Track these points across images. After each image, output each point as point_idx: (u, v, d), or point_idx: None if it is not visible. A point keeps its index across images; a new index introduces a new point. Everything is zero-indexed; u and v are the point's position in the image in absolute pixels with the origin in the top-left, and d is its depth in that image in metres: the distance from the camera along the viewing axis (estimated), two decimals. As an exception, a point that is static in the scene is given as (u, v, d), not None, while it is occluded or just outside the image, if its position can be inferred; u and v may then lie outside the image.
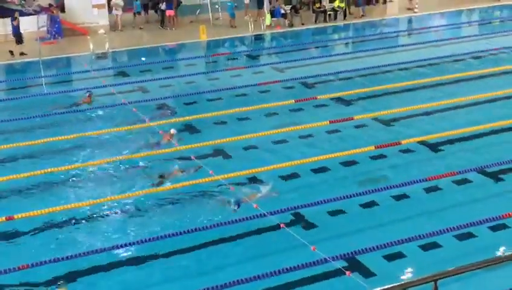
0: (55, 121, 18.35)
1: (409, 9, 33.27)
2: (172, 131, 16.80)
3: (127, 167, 15.43)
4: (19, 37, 25.91)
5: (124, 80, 22.40)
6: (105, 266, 11.46)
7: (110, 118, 18.62)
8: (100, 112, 19.15)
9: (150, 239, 12.10)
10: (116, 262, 11.57)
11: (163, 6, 30.00)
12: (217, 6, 31.36)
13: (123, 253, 11.84)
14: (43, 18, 28.29)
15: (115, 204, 13.63)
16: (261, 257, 11.69)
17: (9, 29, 26.49)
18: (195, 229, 12.31)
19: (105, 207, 13.53)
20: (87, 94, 20.02)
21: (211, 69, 24.10)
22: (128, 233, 12.57)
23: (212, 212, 13.13)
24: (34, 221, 12.87)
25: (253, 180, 14.49)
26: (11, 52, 25.67)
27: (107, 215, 13.29)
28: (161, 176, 14.64)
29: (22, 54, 25.58)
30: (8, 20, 26.80)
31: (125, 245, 12.00)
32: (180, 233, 12.19)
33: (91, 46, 25.82)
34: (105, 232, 12.63)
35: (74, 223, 12.89)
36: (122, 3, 29.65)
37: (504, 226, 12.37)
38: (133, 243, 12.06)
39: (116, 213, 13.36)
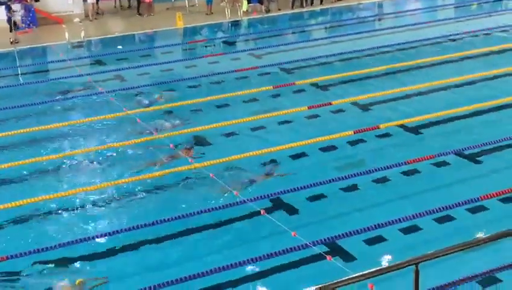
0: (31, 111, 18.15)
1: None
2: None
3: (107, 156, 15.35)
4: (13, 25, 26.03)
5: (101, 68, 22.21)
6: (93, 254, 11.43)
7: (87, 108, 18.47)
8: (77, 102, 18.96)
9: (130, 228, 12.04)
10: (101, 252, 11.53)
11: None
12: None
13: (108, 241, 11.76)
14: (17, 7, 27.95)
15: (98, 193, 13.57)
16: (241, 244, 11.67)
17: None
18: (176, 218, 12.27)
19: (88, 196, 13.47)
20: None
21: (188, 56, 23.98)
22: (110, 221, 12.56)
23: (193, 200, 13.10)
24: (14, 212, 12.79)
25: (233, 167, 14.47)
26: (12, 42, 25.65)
27: (90, 204, 13.22)
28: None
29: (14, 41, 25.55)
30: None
31: (110, 233, 11.93)
32: (161, 221, 12.15)
33: (66, 35, 25.56)
34: (91, 220, 12.61)
35: (55, 214, 12.81)
36: None
37: (482, 208, 12.46)
38: (117, 231, 11.98)
39: (98, 202, 13.30)
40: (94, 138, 16.44)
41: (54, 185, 13.95)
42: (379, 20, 29.54)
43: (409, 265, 5.10)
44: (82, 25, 27.07)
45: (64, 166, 14.86)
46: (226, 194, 13.11)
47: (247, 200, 12.78)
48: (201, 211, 12.48)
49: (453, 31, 25.32)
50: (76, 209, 13.04)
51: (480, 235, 11.44)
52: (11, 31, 25.81)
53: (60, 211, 12.89)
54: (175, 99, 18.58)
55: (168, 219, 12.19)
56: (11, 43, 25.40)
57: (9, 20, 26.17)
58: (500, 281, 10.02)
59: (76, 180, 14.23)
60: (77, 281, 10.56)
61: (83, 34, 26.10)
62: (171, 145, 15.44)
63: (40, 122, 17.19)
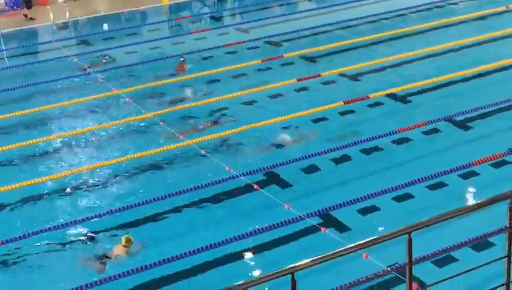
0: (18, 94, 18.02)
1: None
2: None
3: (100, 136, 15.36)
4: (28, 2, 25.85)
5: (88, 49, 22.04)
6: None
7: (75, 89, 18.36)
8: (65, 83, 18.83)
9: (125, 207, 12.08)
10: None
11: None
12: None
13: (98, 223, 11.80)
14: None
15: (95, 172, 13.65)
16: (236, 218, 11.72)
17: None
18: (170, 195, 12.30)
19: (87, 176, 13.53)
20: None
21: (175, 34, 23.79)
22: (107, 200, 12.60)
23: (185, 177, 13.12)
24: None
25: (224, 143, 14.48)
26: (26, 16, 25.49)
27: (90, 184, 13.28)
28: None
29: (30, 18, 25.39)
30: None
31: (101, 215, 11.96)
32: (154, 199, 12.18)
33: (51, 16, 25.31)
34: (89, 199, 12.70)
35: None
36: None
37: (474, 174, 12.53)
38: (110, 212, 12.01)
39: (95, 181, 13.34)
40: (83, 118, 16.36)
41: (48, 167, 13.95)
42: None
43: (401, 234, 5.12)
44: (66, 5, 26.79)
45: (45, 150, 14.80)
46: (218, 170, 13.12)
47: (240, 174, 12.81)
48: (195, 188, 12.51)
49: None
50: (78, 189, 13.09)
51: (473, 200, 11.55)
52: (28, 8, 25.83)
53: (53, 193, 12.91)
54: (164, 77, 18.47)
55: (161, 197, 12.23)
56: (29, 19, 25.38)
57: None
58: (494, 245, 10.11)
59: (71, 160, 14.23)
60: (124, 238, 10.86)
61: (67, 14, 25.85)
62: (161, 124, 15.41)
63: (28, 105, 17.08)
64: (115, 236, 11.35)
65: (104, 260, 10.69)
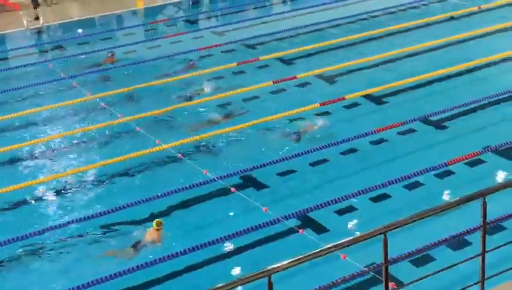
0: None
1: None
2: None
3: (79, 140, 15.31)
4: (35, 1, 25.90)
5: (62, 54, 21.89)
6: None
7: (50, 94, 18.23)
8: (39, 89, 18.68)
9: (99, 214, 12.00)
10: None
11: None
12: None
13: (74, 229, 11.72)
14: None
15: (81, 176, 13.62)
16: (213, 222, 11.69)
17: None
18: (147, 199, 12.26)
19: (61, 182, 13.47)
20: (110, 54, 20.28)
21: (150, 37, 23.70)
22: (82, 206, 12.52)
23: (162, 181, 13.07)
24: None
25: (201, 146, 14.46)
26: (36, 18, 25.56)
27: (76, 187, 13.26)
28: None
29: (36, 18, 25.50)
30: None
31: (74, 221, 11.87)
32: (139, 202, 12.14)
33: (24, 22, 25.10)
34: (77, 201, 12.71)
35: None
36: None
37: (449, 173, 12.63)
38: (85, 218, 11.93)
39: (85, 184, 13.35)
40: (58, 124, 16.26)
41: (21, 174, 13.84)
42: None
43: (377, 234, 5.15)
44: (40, 10, 26.58)
45: (29, 155, 14.73)
46: (195, 174, 13.09)
47: (217, 178, 12.79)
48: (171, 192, 12.46)
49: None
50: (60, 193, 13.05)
51: (449, 199, 11.62)
52: (34, 8, 25.85)
53: (21, 203, 12.83)
54: (140, 81, 18.37)
55: (144, 200, 12.20)
56: (35, 19, 25.45)
57: None
58: (470, 243, 10.18)
59: (46, 166, 14.13)
60: (155, 222, 11.17)
61: (41, 19, 25.65)
62: (138, 128, 15.34)
63: (2, 111, 16.92)
64: (98, 243, 11.31)
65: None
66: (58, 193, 13.08)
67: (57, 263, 10.97)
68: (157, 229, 11.11)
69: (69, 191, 13.12)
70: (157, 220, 11.21)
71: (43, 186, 13.31)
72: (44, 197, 12.97)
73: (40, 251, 11.24)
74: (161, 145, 14.31)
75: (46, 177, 13.63)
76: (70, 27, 25.37)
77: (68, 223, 11.85)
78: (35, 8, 25.86)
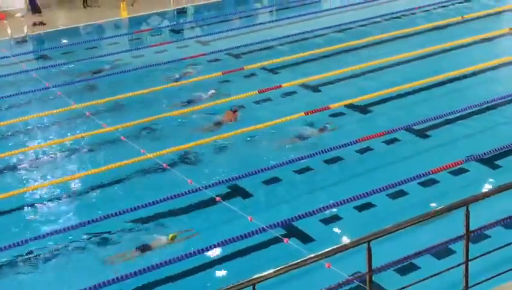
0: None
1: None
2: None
3: (63, 149, 15.27)
4: (34, 8, 26.77)
5: (46, 63, 21.83)
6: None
7: (35, 103, 18.17)
8: (23, 98, 18.60)
9: (85, 223, 11.95)
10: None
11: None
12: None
13: (57, 239, 11.66)
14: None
15: (64, 186, 13.55)
16: (198, 231, 11.66)
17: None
18: (132, 209, 12.21)
19: (46, 192, 13.40)
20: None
21: (135, 47, 23.69)
22: (67, 216, 12.46)
23: (147, 190, 13.04)
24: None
25: (186, 156, 14.45)
26: (34, 23, 26.22)
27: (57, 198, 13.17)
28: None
29: (39, 23, 26.22)
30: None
31: (58, 231, 11.82)
32: (121, 213, 12.11)
33: (9, 31, 25.01)
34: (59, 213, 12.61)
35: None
36: None
37: (433, 182, 12.69)
38: (69, 228, 11.88)
39: (68, 194, 13.30)
40: (43, 133, 16.22)
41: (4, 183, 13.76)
42: (324, 1, 29.54)
43: (361, 243, 5.17)
44: (24, 19, 26.51)
45: (17, 163, 14.66)
46: (180, 183, 13.07)
47: (202, 187, 12.78)
48: (157, 201, 12.43)
49: (397, 8, 25.51)
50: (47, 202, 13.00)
51: (433, 208, 11.66)
52: (34, 13, 26.68)
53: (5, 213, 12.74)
54: (124, 91, 18.35)
55: (126, 211, 12.14)
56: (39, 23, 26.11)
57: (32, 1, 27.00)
58: (454, 252, 10.23)
59: (31, 176, 14.06)
60: (170, 236, 11.25)
61: (26, 28, 25.58)
62: (123, 138, 15.31)
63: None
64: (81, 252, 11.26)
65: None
66: (41, 202, 12.99)
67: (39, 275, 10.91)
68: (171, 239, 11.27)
69: (51, 201, 13.04)
70: (173, 234, 11.32)
71: (26, 196, 13.22)
72: (25, 208, 12.85)
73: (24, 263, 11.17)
74: (146, 155, 14.29)
75: (28, 187, 13.54)
76: (55, 36, 25.32)
77: (48, 234, 11.76)
78: (34, 13, 26.46)
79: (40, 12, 26.79)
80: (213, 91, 17.76)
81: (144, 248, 11.17)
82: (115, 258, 11.01)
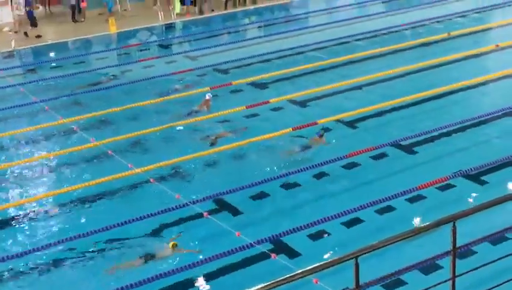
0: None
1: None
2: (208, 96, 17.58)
3: (51, 164, 15.19)
4: (32, 20, 27.10)
5: (34, 77, 21.79)
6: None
7: (22, 118, 18.11)
8: (10, 112, 18.53)
9: (72, 237, 11.88)
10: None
11: (72, 0, 29.11)
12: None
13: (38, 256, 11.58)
14: None
15: (50, 201, 13.50)
16: (186, 247, 11.62)
17: None
18: (120, 224, 12.16)
19: (32, 207, 13.32)
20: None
21: (123, 61, 23.69)
22: (69, 227, 12.43)
23: (134, 205, 12.99)
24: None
25: (174, 171, 14.42)
26: (26, 34, 26.76)
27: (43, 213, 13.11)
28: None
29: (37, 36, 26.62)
30: None
31: (44, 247, 11.74)
32: (103, 229, 12.03)
33: (13, 43, 24.98)
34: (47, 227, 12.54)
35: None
36: (23, 2, 28.34)
37: (420, 197, 12.72)
38: (57, 243, 11.81)
39: (55, 209, 13.21)
40: (30, 148, 16.14)
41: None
42: (312, 17, 29.67)
43: (349, 259, 5.16)
44: (12, 34, 26.48)
45: (3, 177, 14.58)
46: (167, 198, 13.03)
47: (190, 202, 12.75)
48: (144, 216, 12.38)
49: (385, 25, 25.70)
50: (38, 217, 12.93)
51: (420, 224, 11.70)
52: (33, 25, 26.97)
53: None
54: (112, 105, 18.32)
55: (111, 226, 12.10)
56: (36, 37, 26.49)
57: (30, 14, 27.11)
58: (441, 267, 10.24)
59: (17, 191, 13.99)
60: (171, 244, 11.34)
61: (13, 43, 25.53)
62: (110, 152, 15.26)
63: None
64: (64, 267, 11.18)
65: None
66: (27, 217, 12.91)
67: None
68: (172, 248, 11.35)
69: (39, 216, 12.97)
70: (173, 242, 11.38)
71: (12, 211, 13.13)
72: (9, 222, 12.77)
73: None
74: (133, 169, 14.25)
75: (14, 202, 13.46)
76: (43, 51, 25.29)
77: (34, 250, 11.69)
78: (32, 27, 26.72)
79: (36, 26, 26.88)
80: (205, 107, 17.79)
81: (129, 264, 11.11)
82: (104, 272, 10.95)
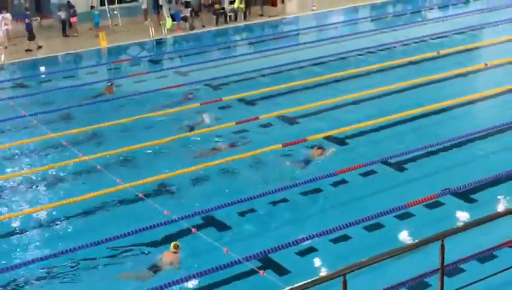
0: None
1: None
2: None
3: (39, 178, 15.10)
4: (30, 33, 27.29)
5: (23, 91, 21.74)
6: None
7: (11, 132, 18.04)
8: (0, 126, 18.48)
9: (58, 253, 11.81)
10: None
11: (63, 15, 29.15)
12: (115, 12, 30.85)
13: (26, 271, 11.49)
14: None
15: (39, 215, 13.43)
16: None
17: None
18: (107, 239, 12.10)
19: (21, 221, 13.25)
20: (110, 84, 20.57)
21: (113, 76, 23.69)
22: (42, 246, 12.31)
23: (123, 221, 12.94)
24: None
25: (162, 186, 14.38)
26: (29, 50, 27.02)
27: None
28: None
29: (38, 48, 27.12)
30: None
31: (30, 262, 11.66)
32: (91, 244, 11.97)
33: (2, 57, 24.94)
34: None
35: None
36: (10, 17, 28.30)
37: (409, 215, 12.73)
38: (43, 258, 11.72)
39: (43, 223, 13.16)
40: (18, 162, 16.07)
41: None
42: (302, 34, 29.77)
43: (336, 276, 5.15)
44: (1, 48, 26.45)
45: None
46: (156, 213, 12.98)
47: (178, 218, 12.70)
48: (132, 232, 12.33)
49: (375, 43, 25.84)
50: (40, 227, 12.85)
51: (409, 241, 11.71)
52: (30, 39, 27.11)
53: None
54: (102, 120, 18.28)
55: (99, 241, 12.04)
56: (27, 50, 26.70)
57: (28, 28, 27.24)
58: (430, 285, 10.24)
59: (5, 205, 13.90)
60: (172, 245, 11.40)
61: (2, 57, 25.50)
62: (99, 167, 15.21)
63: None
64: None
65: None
66: (15, 232, 12.83)
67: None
68: (174, 252, 11.32)
69: (26, 230, 12.89)
70: (175, 243, 11.41)
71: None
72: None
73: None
74: (122, 185, 14.19)
75: (2, 216, 13.38)
76: (33, 65, 25.27)
77: (17, 265, 11.61)
78: (30, 40, 26.93)
79: (34, 39, 27.14)
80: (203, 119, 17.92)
81: (125, 276, 11.04)
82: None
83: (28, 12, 28.10)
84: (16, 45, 27.56)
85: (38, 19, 30.08)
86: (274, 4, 33.79)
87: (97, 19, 29.25)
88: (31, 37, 27.08)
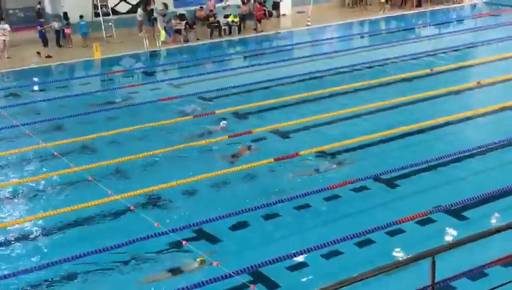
0: None
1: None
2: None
3: (30, 189, 15.03)
4: (44, 40, 28.09)
5: (16, 101, 21.69)
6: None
7: (2, 141, 17.97)
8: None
9: (49, 264, 11.72)
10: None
11: (57, 25, 29.14)
12: (110, 24, 30.86)
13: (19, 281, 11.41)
14: None
15: (28, 226, 13.37)
16: (165, 275, 11.52)
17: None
18: (98, 251, 12.03)
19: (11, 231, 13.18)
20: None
21: (106, 87, 23.66)
22: (33, 256, 12.23)
23: (113, 233, 12.88)
24: None
25: (154, 198, 14.34)
26: (39, 53, 27.61)
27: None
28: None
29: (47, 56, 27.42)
30: None
31: (25, 271, 11.57)
32: (81, 255, 11.90)
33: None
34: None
35: None
36: (8, 28, 28.26)
37: (400, 231, 12.72)
38: (34, 269, 11.64)
39: (33, 234, 13.08)
40: (9, 172, 16.00)
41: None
42: (296, 49, 29.83)
43: (327, 293, 5.12)
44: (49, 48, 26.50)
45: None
46: (147, 226, 12.93)
47: (169, 231, 12.65)
48: (123, 244, 12.27)
49: (368, 59, 25.93)
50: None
51: (400, 258, 11.69)
52: (45, 46, 27.74)
53: None
54: (94, 131, 18.24)
55: (90, 252, 11.98)
56: (46, 57, 27.25)
57: (42, 35, 28.00)
58: (420, 302, 10.21)
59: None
60: (198, 259, 11.56)
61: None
62: (90, 178, 15.16)
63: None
64: None
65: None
66: (4, 242, 12.76)
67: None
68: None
69: (14, 241, 12.81)
70: (201, 258, 11.60)
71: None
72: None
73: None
74: (113, 196, 14.14)
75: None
76: (26, 75, 25.21)
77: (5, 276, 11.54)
78: (45, 46, 27.71)
79: (47, 45, 27.82)
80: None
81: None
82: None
83: (43, 20, 28.79)
84: (10, 58, 27.46)
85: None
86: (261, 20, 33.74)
87: (84, 29, 29.27)
88: (45, 43, 27.84)
